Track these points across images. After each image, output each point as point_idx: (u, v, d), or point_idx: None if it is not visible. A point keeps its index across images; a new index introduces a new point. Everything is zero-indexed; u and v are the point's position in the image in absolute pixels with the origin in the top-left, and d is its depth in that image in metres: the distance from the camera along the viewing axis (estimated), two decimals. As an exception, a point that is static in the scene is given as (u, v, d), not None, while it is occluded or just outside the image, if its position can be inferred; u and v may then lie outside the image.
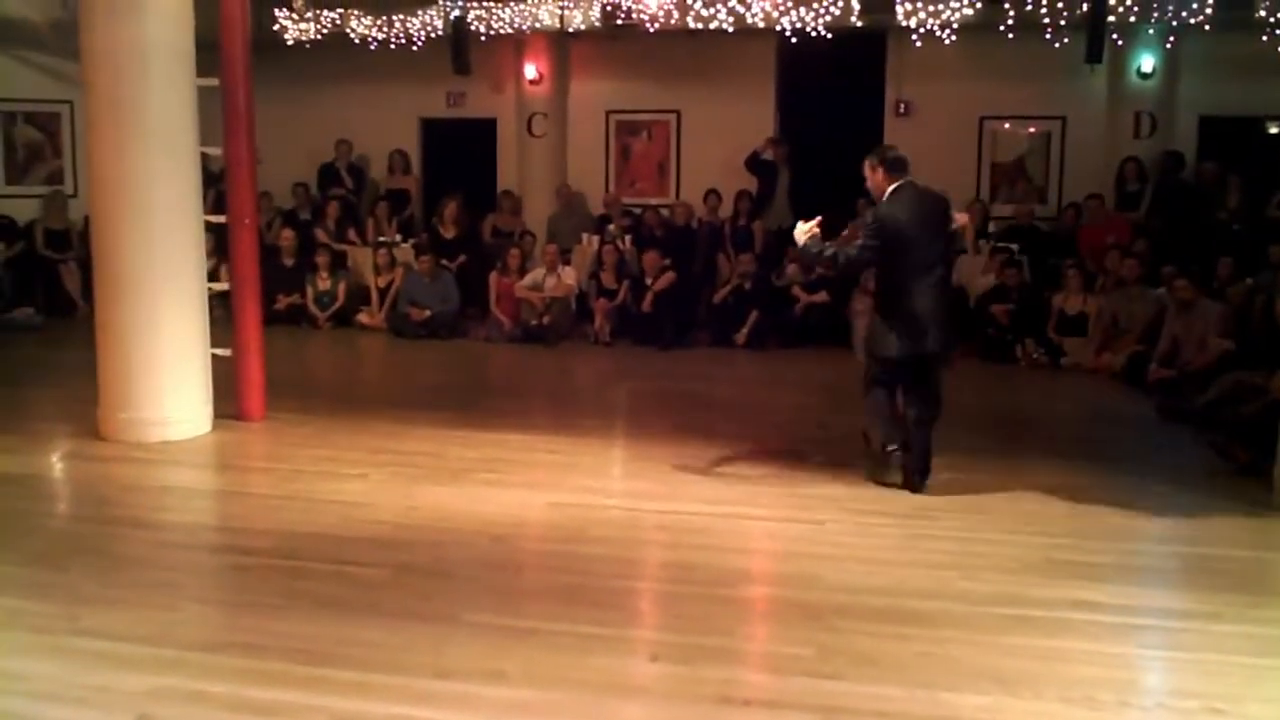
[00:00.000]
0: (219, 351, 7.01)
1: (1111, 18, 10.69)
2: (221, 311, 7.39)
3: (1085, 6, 10.65)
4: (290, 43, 12.49)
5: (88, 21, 6.51)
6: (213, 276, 7.14)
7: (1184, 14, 10.67)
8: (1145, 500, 5.64)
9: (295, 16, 12.37)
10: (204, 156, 6.87)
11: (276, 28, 12.34)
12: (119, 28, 6.44)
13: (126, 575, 4.53)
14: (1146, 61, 11.51)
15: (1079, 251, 10.67)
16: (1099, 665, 3.73)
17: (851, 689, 3.54)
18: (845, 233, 6.28)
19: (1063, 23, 10.89)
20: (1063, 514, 5.40)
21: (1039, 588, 4.40)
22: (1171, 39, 11.28)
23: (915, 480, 5.72)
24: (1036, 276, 10.48)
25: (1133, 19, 10.84)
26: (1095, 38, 10.64)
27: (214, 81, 6.88)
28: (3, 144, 12.49)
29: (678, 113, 12.90)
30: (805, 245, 5.76)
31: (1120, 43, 11.33)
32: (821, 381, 9.03)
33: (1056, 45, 11.05)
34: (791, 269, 10.42)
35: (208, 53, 6.84)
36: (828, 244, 5.84)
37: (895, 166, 5.73)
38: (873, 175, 5.80)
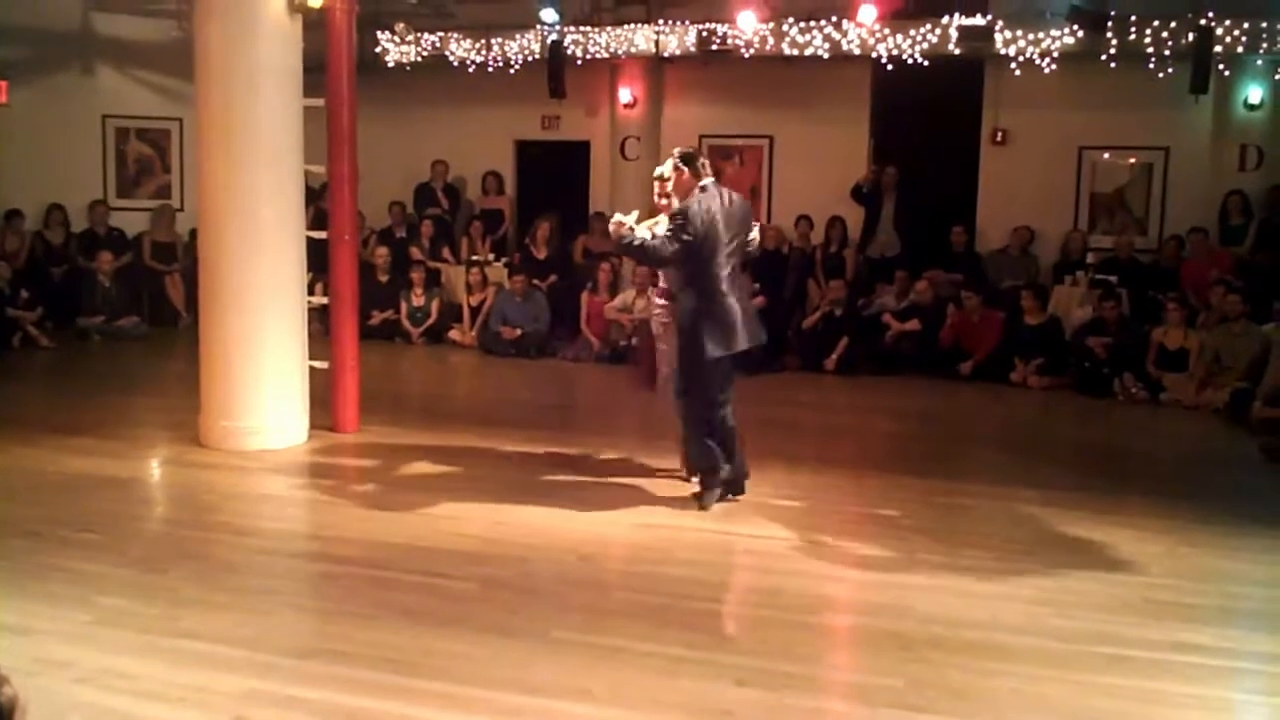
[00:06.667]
0: (316, 364, 7.17)
1: (1218, 48, 10.45)
2: (318, 325, 7.55)
3: (1191, 37, 10.43)
4: (391, 65, 12.77)
5: (202, 42, 6.74)
6: (309, 291, 7.30)
7: (1294, 45, 10.39)
8: (1249, 542, 5.47)
9: (397, 39, 12.64)
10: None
11: (378, 50, 12.63)
12: (232, 49, 6.66)
13: (224, 580, 4.65)
14: (1254, 93, 11.20)
15: (1181, 285, 10.42)
16: (1199, 709, 3.63)
17: (942, 723, 3.49)
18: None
19: (1167, 53, 10.65)
20: (1161, 553, 5.24)
21: (1137, 628, 4.28)
22: (1281, 71, 10.99)
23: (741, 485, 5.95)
24: (1136, 310, 10.24)
25: (1240, 50, 10.57)
26: (1201, 68, 10.40)
27: (319, 102, 7.06)
28: (115, 159, 12.93)
29: (770, 138, 12.88)
30: (621, 234, 5.74)
31: (1227, 73, 11.04)
32: (914, 410, 8.94)
33: (1160, 75, 10.82)
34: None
35: (312, 74, 7.03)
36: (638, 235, 5.82)
37: (699, 169, 5.82)
38: (678, 177, 5.85)
